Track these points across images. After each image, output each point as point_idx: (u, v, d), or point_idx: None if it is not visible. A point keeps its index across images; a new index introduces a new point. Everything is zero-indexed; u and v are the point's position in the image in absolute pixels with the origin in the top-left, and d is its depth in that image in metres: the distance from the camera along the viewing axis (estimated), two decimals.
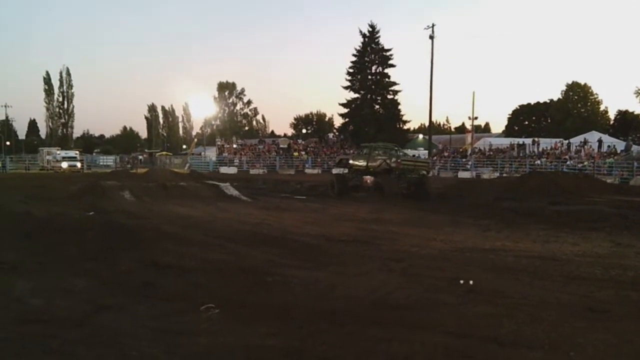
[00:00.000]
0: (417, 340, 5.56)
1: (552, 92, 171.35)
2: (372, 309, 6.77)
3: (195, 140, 79.21)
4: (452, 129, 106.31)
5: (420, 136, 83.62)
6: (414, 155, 31.55)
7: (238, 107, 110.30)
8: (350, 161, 28.89)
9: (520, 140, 56.40)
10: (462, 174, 45.84)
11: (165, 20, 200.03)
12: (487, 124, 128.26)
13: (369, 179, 25.62)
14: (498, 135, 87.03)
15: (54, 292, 7.61)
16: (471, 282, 8.02)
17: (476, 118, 60.35)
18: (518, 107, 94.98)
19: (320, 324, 6.14)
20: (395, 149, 27.78)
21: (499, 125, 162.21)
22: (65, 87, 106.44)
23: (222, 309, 6.74)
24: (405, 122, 70.24)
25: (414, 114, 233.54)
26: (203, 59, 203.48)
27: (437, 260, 9.98)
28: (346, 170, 29.44)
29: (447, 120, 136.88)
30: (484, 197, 23.08)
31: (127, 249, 10.19)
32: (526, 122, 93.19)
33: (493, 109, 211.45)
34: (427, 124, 71.75)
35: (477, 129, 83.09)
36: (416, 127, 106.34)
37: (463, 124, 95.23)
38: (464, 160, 52.61)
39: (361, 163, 26.53)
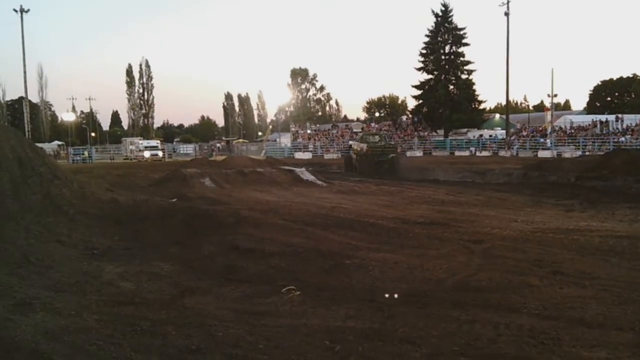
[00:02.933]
0: (502, 322, 5.46)
1: (635, 66, 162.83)
2: (453, 290, 6.70)
3: (270, 127, 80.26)
4: (530, 108, 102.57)
5: (497, 116, 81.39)
6: (389, 142, 38.49)
7: (311, 92, 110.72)
8: (352, 146, 37.54)
9: (603, 117, 53.98)
10: (542, 154, 44.28)
11: (238, 10, 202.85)
12: (567, 102, 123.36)
13: (355, 159, 33.10)
14: (579, 113, 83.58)
15: (142, 275, 7.96)
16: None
17: (555, 95, 58.05)
18: (600, 83, 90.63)
19: (400, 306, 6.14)
20: (378, 136, 36.76)
21: (579, 102, 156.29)
22: (145, 78, 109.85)
23: (303, 291, 6.85)
24: (480, 102, 68.40)
25: (490, 94, 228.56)
26: (276, 47, 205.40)
27: (519, 241, 9.74)
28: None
29: (525, 99, 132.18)
30: (565, 177, 22.33)
31: (210, 234, 10.50)
32: (609, 98, 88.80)
33: (573, 85, 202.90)
34: (503, 103, 69.78)
35: (556, 106, 79.90)
36: (492, 106, 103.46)
37: (542, 102, 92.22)
38: (543, 139, 50.89)
39: (355, 148, 34.41)
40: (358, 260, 8.42)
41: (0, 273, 7.89)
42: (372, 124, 77.88)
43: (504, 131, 59.12)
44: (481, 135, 60.29)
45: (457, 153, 52.64)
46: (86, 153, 57.05)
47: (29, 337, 5.33)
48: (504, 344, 4.92)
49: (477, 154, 50.43)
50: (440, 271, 7.69)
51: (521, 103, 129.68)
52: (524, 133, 57.41)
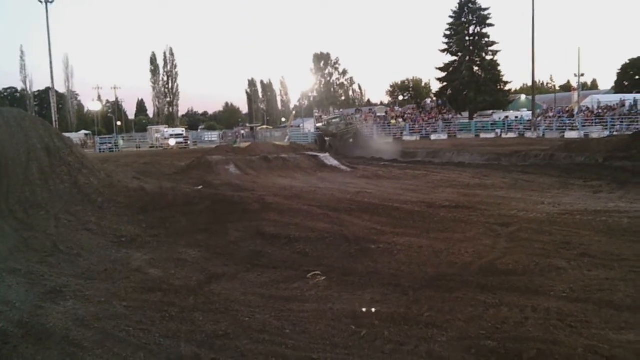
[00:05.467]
0: (529, 305, 5.43)
1: None
2: (480, 274, 6.67)
3: (294, 112, 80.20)
4: (557, 88, 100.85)
5: (523, 97, 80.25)
6: (350, 124, 41.99)
7: (334, 77, 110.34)
8: (321, 128, 44.91)
9: (632, 97, 52.80)
10: (570, 134, 43.48)
11: None
12: (594, 81, 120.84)
13: (328, 140, 37.47)
14: (607, 92, 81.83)
15: (170, 262, 8.08)
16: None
17: (582, 75, 57.10)
18: (628, 61, 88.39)
19: (426, 290, 6.13)
20: (339, 118, 43.93)
21: (607, 81, 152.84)
22: (169, 66, 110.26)
23: (328, 277, 6.89)
24: (506, 83, 67.45)
25: (515, 74, 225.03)
26: (298, 32, 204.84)
27: (546, 224, 9.63)
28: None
29: (551, 79, 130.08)
30: (593, 158, 21.96)
31: (235, 220, 10.57)
32: (637, 77, 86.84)
33: (600, 64, 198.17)
34: (529, 83, 68.61)
35: (583, 86, 78.53)
36: (518, 87, 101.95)
37: (568, 81, 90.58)
38: (570, 119, 50.08)
39: (325, 130, 40.94)
40: (383, 244, 8.42)
41: (31, 261, 8.09)
42: (396, 108, 77.44)
43: (530, 112, 58.19)
44: (507, 117, 59.40)
45: (482, 135, 51.95)
46: (121, 141, 57.62)
47: (60, 324, 5.46)
48: (531, 327, 4.90)
49: (503, 135, 49.72)
50: (466, 255, 7.66)
51: (547, 83, 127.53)
52: (551, 114, 56.50)
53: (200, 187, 15.60)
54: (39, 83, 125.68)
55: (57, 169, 13.04)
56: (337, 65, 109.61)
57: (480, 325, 5.01)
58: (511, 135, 49.11)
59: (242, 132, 58.73)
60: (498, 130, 52.34)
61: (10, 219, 10.67)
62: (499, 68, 66.12)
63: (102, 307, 6.01)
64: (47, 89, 78.70)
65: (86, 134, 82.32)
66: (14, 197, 11.59)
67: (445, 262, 7.37)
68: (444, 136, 53.43)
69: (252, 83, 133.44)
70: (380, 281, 6.61)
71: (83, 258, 8.36)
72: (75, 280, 7.14)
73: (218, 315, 5.62)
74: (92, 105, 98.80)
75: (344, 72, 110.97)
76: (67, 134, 32.83)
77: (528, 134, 47.43)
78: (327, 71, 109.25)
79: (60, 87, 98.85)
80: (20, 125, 14.07)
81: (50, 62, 53.05)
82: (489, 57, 65.83)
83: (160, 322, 5.51)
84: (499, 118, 59.42)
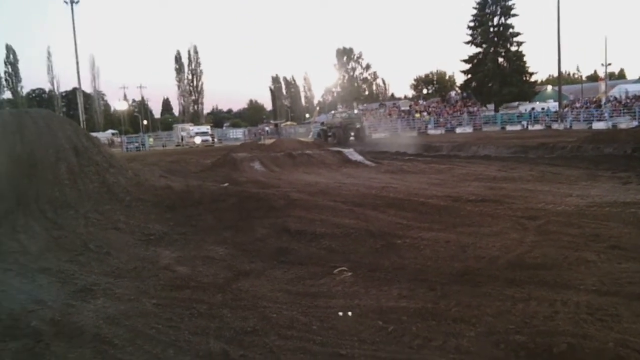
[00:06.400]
0: (558, 299, 5.38)
1: None
2: (507, 268, 6.61)
3: (318, 108, 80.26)
4: (584, 78, 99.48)
5: (549, 87, 79.15)
6: (355, 119, 44.09)
7: (357, 72, 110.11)
8: (325, 123, 48.25)
9: None
10: (597, 125, 42.81)
11: None
12: (621, 71, 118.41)
13: (333, 131, 40.91)
14: (635, 82, 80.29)
15: (197, 260, 8.15)
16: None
17: (609, 64, 56.06)
18: None
19: (453, 285, 6.11)
20: (345, 113, 48.52)
21: (635, 70, 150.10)
22: (194, 64, 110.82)
23: (354, 272, 6.90)
24: (531, 74, 66.67)
25: (541, 65, 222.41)
26: (321, 27, 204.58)
27: (574, 216, 9.50)
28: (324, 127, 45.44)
29: (578, 69, 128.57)
30: (622, 148, 21.61)
31: (261, 217, 10.64)
32: None
33: (628, 53, 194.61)
34: (555, 74, 67.82)
35: (611, 76, 77.22)
36: (544, 78, 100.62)
37: (595, 71, 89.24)
38: (598, 110, 49.30)
39: (330, 123, 45.04)
40: (409, 239, 8.40)
41: (61, 260, 8.24)
42: (420, 101, 76.97)
43: (556, 103, 57.50)
44: (533, 109, 58.65)
45: (508, 127, 51.45)
46: (151, 140, 58.24)
47: (91, 322, 5.55)
48: (560, 321, 4.85)
49: (530, 127, 49.21)
50: (493, 249, 7.60)
51: (574, 74, 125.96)
52: (578, 105, 55.70)
53: (226, 185, 15.71)
54: (66, 84, 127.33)
55: (86, 168, 13.23)
56: (360, 60, 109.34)
57: (509, 320, 4.97)
58: (537, 127, 48.58)
59: (267, 128, 58.94)
60: (524, 122, 51.80)
61: (41, 219, 10.87)
62: (524, 59, 65.47)
63: (131, 304, 6.10)
64: (74, 89, 79.95)
65: (113, 133, 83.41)
66: (43, 197, 11.79)
67: (472, 257, 7.32)
68: (469, 129, 53.04)
69: (275, 80, 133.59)
70: (407, 276, 6.59)
71: (112, 256, 8.48)
72: (105, 279, 7.26)
73: (246, 312, 5.67)
74: (119, 105, 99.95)
75: (368, 67, 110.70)
76: (94, 134, 33.33)
77: (555, 126, 46.88)
78: (350, 66, 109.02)
79: (87, 87, 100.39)
80: (48, 126, 14.29)
81: (77, 63, 54.11)
82: (513, 48, 65.20)
83: (189, 319, 5.57)
84: (525, 110, 58.75)
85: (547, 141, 27.17)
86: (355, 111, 60.35)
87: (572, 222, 8.99)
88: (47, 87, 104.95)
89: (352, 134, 39.71)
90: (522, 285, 5.90)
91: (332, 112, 59.74)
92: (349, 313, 5.45)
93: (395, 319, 5.20)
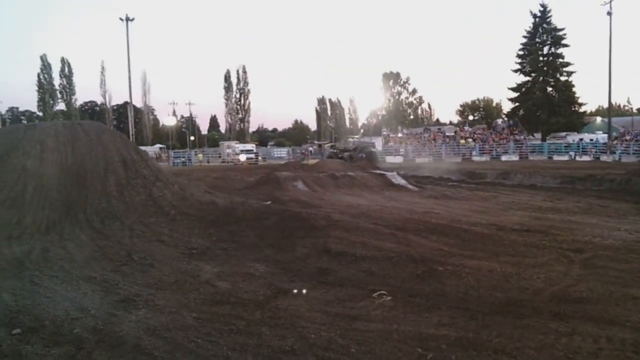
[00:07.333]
0: (603, 335, 5.24)
1: None
2: (551, 301, 6.47)
3: (362, 131, 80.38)
4: (634, 110, 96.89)
5: (599, 119, 77.55)
6: (365, 146, 47.62)
7: (403, 96, 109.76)
8: (337, 146, 53.22)
9: None
10: None
11: (332, 16, 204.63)
12: None
13: (346, 154, 43.75)
14: None
15: (238, 276, 8.21)
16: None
17: None
18: None
19: (495, 316, 6.00)
20: (355, 138, 55.23)
21: None
22: (242, 84, 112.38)
23: (394, 297, 6.84)
24: (581, 104, 65.42)
25: (590, 96, 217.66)
26: (368, 51, 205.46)
27: (622, 251, 9.27)
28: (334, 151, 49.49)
29: (628, 101, 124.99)
30: None
31: (302, 236, 10.65)
32: None
33: None
34: (605, 105, 66.49)
35: None
36: (593, 109, 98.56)
37: None
38: None
39: (340, 148, 49.34)
40: (451, 266, 8.30)
41: (106, 270, 8.41)
42: (466, 127, 76.26)
43: (605, 135, 56.30)
44: (581, 139, 57.54)
45: (555, 157, 50.53)
46: (200, 155, 59.25)
47: (132, 332, 5.65)
48: (605, 358, 4.73)
49: (577, 158, 48.20)
50: (537, 280, 7.46)
51: (624, 105, 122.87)
52: (628, 137, 54.35)
53: (268, 203, 15.83)
54: (117, 97, 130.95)
55: (133, 181, 13.54)
56: (406, 85, 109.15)
57: (552, 354, 4.86)
58: (585, 158, 47.53)
59: (310, 149, 59.25)
60: (572, 153, 50.76)
61: (87, 229, 11.15)
62: (574, 89, 64.25)
63: (172, 317, 6.17)
64: (125, 103, 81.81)
65: (161, 148, 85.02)
66: (91, 207, 12.10)
67: (515, 287, 7.19)
68: (515, 157, 52.29)
69: (321, 101, 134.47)
70: (448, 304, 6.51)
71: (155, 268, 8.62)
72: (147, 290, 7.38)
73: (284, 331, 5.68)
74: (167, 120, 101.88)
75: (414, 91, 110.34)
76: (143, 147, 34.06)
77: (603, 157, 45.79)
78: (395, 90, 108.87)
79: (138, 102, 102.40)
80: (99, 138, 14.71)
81: (129, 78, 55.31)
82: (563, 78, 64.12)
83: (228, 334, 5.61)
84: (573, 140, 57.60)
85: (595, 173, 26.57)
86: (370, 139, 64.70)
87: (619, 257, 8.77)
88: (99, 100, 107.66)
89: (364, 155, 42.78)
90: (566, 319, 5.76)
91: (348, 138, 65.80)
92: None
93: (434, 347, 5.14)
